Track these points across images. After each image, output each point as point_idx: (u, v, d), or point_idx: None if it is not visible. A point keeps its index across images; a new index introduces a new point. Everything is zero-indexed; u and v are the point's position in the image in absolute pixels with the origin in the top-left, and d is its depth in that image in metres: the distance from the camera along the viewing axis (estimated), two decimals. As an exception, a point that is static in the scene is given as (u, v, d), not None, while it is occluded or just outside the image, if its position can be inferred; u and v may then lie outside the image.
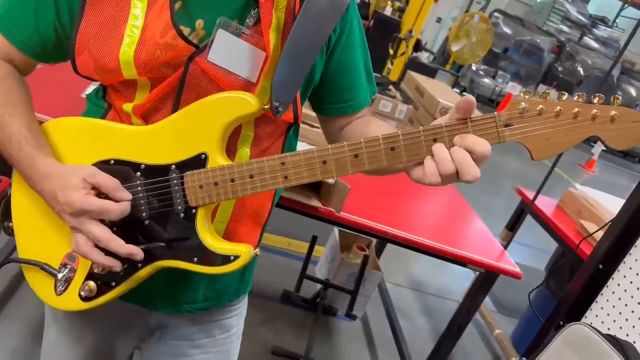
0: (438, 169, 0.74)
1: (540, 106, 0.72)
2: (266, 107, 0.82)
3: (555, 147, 0.73)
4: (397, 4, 8.28)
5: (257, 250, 0.84)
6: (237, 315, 1.10)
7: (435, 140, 0.74)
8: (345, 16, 0.90)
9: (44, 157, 0.83)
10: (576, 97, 0.72)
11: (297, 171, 0.79)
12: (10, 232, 0.94)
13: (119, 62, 0.82)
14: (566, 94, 0.73)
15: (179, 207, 0.83)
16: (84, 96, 1.51)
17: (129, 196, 0.82)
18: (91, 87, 1.62)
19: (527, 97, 0.73)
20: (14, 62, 0.89)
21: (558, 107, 0.72)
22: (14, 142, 0.83)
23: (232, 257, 0.81)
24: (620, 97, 0.72)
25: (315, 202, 1.62)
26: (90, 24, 0.82)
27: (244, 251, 0.81)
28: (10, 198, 0.95)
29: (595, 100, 0.71)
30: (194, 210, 0.83)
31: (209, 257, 0.83)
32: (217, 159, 0.82)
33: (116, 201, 0.81)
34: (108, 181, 0.81)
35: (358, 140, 0.76)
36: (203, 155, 0.82)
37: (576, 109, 0.71)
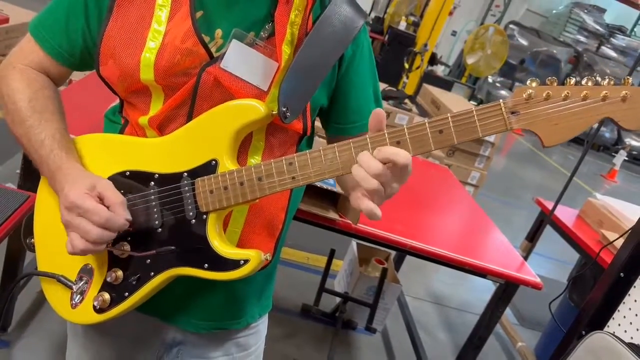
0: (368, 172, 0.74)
1: (547, 91, 0.70)
2: (274, 112, 0.83)
3: (566, 132, 0.70)
4: (412, 18, 8.33)
5: (268, 255, 0.84)
6: (255, 334, 1.09)
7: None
8: (357, 39, 0.93)
9: (72, 160, 0.88)
10: (585, 80, 0.70)
11: (304, 171, 0.79)
12: (32, 248, 0.97)
13: (139, 65, 0.85)
14: (574, 78, 0.71)
15: (190, 214, 0.84)
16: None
17: (128, 216, 0.83)
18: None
19: (533, 84, 0.71)
20: (48, 72, 0.93)
21: (566, 91, 0.70)
22: (46, 145, 0.87)
23: (242, 261, 0.81)
24: (630, 79, 0.69)
25: (332, 215, 1.63)
26: (116, 26, 0.86)
27: (253, 255, 0.82)
28: (33, 215, 0.98)
29: (605, 82, 0.69)
30: (204, 216, 0.84)
31: (219, 262, 0.83)
32: (227, 165, 0.83)
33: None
34: (112, 196, 0.82)
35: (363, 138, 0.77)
36: (213, 162, 0.83)
37: (585, 92, 0.69)
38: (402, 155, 0.73)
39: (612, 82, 0.69)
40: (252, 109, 0.82)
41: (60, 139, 0.88)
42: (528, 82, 0.72)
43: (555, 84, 0.70)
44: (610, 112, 0.69)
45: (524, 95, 0.71)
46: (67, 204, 0.81)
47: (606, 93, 0.68)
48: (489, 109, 0.72)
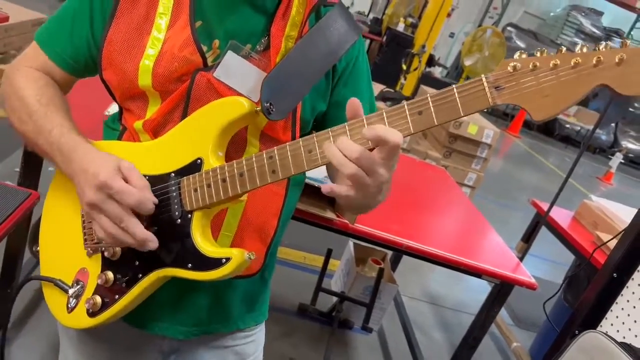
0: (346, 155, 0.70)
1: (534, 62, 0.65)
2: (258, 109, 0.84)
3: (556, 104, 0.64)
4: (410, 19, 8.36)
5: (252, 254, 0.82)
6: (253, 343, 1.10)
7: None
8: (351, 53, 0.94)
9: (86, 142, 0.87)
10: (579, 46, 0.64)
11: (284, 164, 0.77)
12: (37, 255, 0.98)
13: (138, 71, 0.86)
14: (565, 47, 0.65)
15: (176, 213, 0.85)
16: (107, 113, 1.57)
17: (155, 199, 0.84)
18: (111, 109, 1.68)
19: (523, 56, 0.66)
20: (53, 79, 0.94)
21: (555, 60, 0.64)
22: (56, 133, 0.87)
23: (224, 259, 0.81)
24: (629, 41, 0.63)
25: (329, 214, 1.64)
26: (117, 32, 0.88)
27: (235, 254, 0.80)
28: (39, 223, 0.99)
29: (601, 47, 0.63)
30: (189, 215, 0.84)
31: (202, 261, 0.83)
32: (212, 163, 0.83)
33: None
34: (138, 178, 0.83)
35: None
36: (199, 160, 0.84)
37: (576, 59, 0.63)
38: (394, 134, 0.69)
39: (608, 47, 0.63)
40: (236, 105, 0.82)
41: (69, 126, 0.88)
42: (516, 54, 0.67)
43: (545, 53, 0.66)
44: (604, 79, 0.62)
45: (509, 68, 0.66)
46: (97, 182, 0.80)
47: (599, 58, 0.62)
48: (469, 85, 0.68)
